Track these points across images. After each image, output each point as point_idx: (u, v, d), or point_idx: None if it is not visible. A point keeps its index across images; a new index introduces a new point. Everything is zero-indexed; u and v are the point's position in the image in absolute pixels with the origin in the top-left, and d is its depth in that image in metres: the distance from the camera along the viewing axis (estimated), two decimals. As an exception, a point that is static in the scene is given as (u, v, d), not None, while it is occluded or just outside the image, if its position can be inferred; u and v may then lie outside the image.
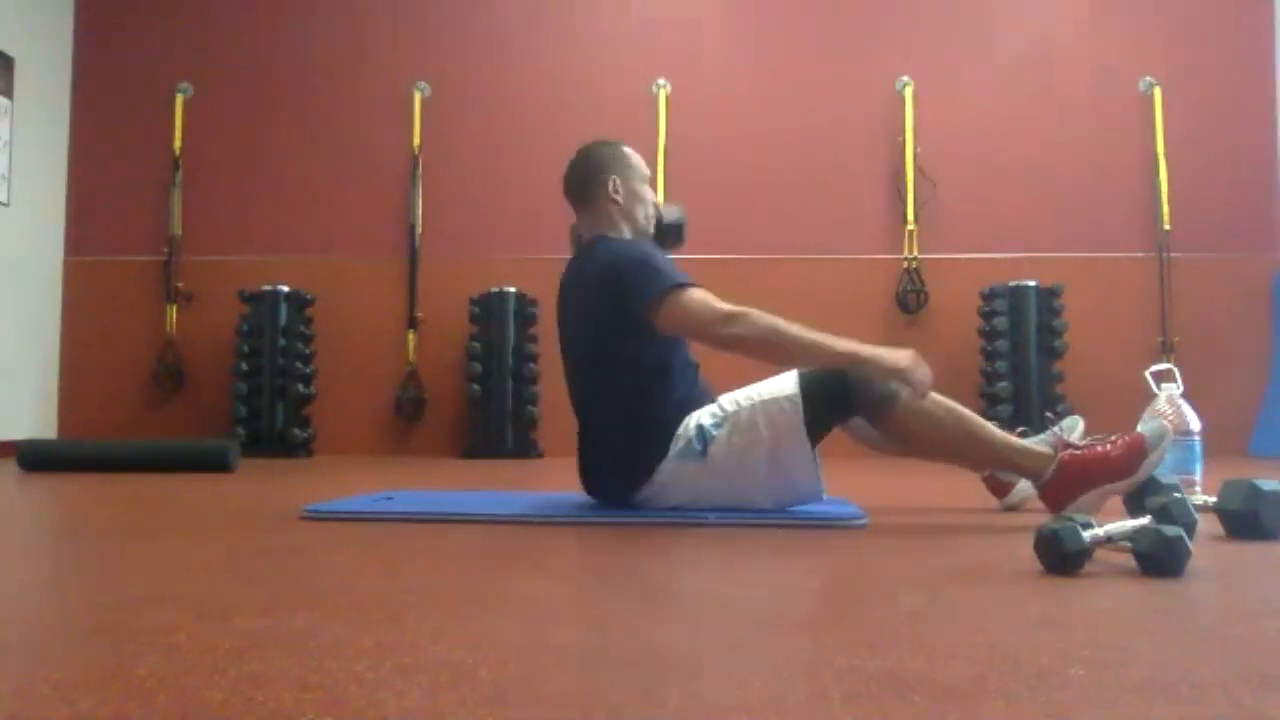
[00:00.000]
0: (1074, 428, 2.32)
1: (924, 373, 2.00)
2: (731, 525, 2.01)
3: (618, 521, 2.09)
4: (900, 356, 2.00)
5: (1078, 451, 2.11)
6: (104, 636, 1.04)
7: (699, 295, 2.09)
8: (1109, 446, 2.11)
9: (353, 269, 5.62)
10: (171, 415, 5.57)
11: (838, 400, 2.10)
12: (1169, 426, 2.17)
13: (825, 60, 5.64)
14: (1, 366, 5.20)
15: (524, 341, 5.27)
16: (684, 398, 2.19)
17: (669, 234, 2.42)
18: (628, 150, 2.37)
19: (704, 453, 2.11)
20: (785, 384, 2.13)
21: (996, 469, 2.30)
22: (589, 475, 2.28)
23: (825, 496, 2.21)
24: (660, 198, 2.61)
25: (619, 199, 2.29)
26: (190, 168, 5.69)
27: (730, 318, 2.04)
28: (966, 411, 2.14)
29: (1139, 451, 2.08)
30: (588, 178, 2.32)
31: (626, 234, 2.30)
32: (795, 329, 2.02)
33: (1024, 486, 2.34)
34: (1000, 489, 2.41)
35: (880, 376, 2.02)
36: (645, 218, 2.33)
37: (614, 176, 2.30)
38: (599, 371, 2.22)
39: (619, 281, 2.13)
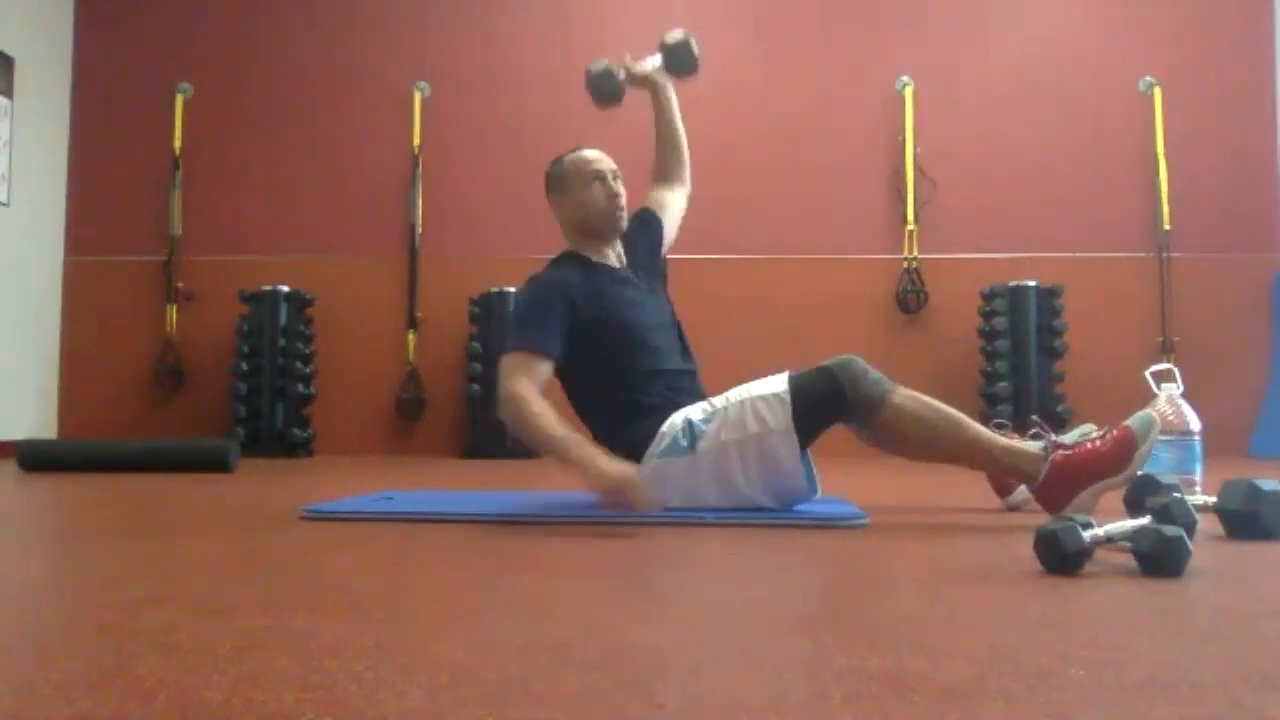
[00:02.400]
0: (1087, 435, 2.30)
1: (642, 495, 1.92)
2: (731, 525, 2.01)
3: (618, 521, 2.09)
4: (609, 477, 1.93)
5: (1068, 451, 2.10)
6: (104, 636, 1.04)
7: (507, 365, 2.18)
8: (1099, 443, 2.11)
9: (353, 269, 5.62)
10: (171, 415, 5.57)
11: (827, 400, 2.11)
12: (1156, 415, 2.17)
13: (825, 60, 5.64)
14: (1, 366, 5.20)
15: (524, 341, 5.26)
16: (664, 398, 2.24)
17: (676, 67, 2.52)
18: (569, 159, 2.40)
19: (692, 448, 2.14)
20: (776, 383, 2.15)
21: (989, 471, 2.30)
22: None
23: (818, 495, 2.22)
24: (672, 89, 2.65)
25: (565, 214, 2.41)
26: (190, 168, 5.69)
27: (504, 397, 2.13)
28: (957, 414, 2.14)
29: (1129, 445, 2.08)
30: (548, 198, 2.44)
31: (586, 243, 2.39)
32: (539, 425, 2.06)
33: (1025, 487, 2.34)
34: (1004, 488, 2.41)
35: (584, 484, 2.01)
36: (597, 216, 2.36)
37: (556, 194, 2.41)
38: (573, 372, 2.33)
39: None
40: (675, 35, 2.56)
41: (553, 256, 2.42)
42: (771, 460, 2.11)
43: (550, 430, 2.06)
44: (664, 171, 2.62)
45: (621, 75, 2.54)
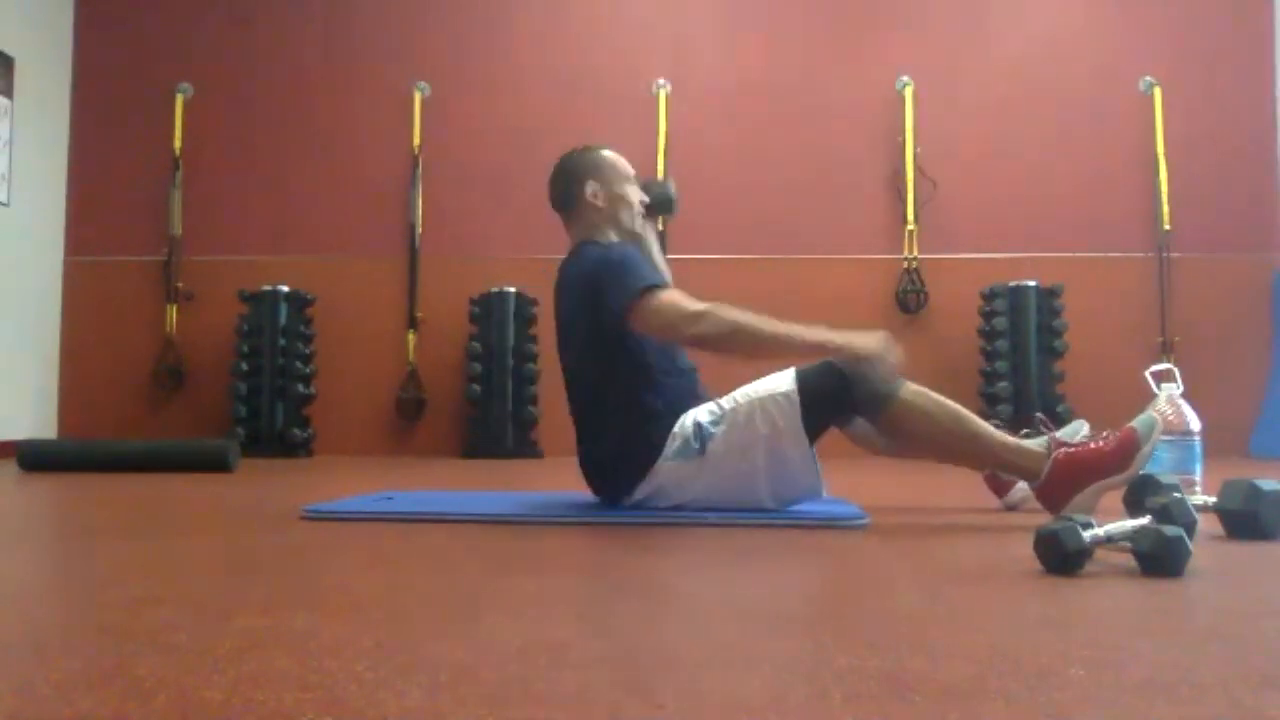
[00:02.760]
0: (1077, 432, 2.31)
1: (895, 356, 2.02)
2: (732, 525, 2.01)
3: (618, 521, 2.09)
4: (869, 340, 2.02)
5: (1071, 450, 2.11)
6: (104, 636, 1.04)
7: (668, 297, 2.11)
8: (1102, 443, 2.11)
9: (353, 269, 5.62)
10: (171, 415, 5.57)
11: (834, 397, 2.10)
12: (1158, 417, 2.17)
13: (825, 60, 5.64)
14: (1, 366, 5.20)
15: (524, 341, 5.27)
16: (676, 399, 2.20)
17: (659, 205, 2.46)
18: (606, 154, 2.38)
19: (702, 450, 2.12)
20: (782, 381, 2.13)
21: (993, 469, 2.30)
22: (589, 475, 2.29)
23: (825, 494, 2.21)
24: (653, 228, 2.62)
25: (600, 203, 2.32)
26: (190, 168, 5.69)
27: (695, 316, 2.06)
28: (964, 411, 2.14)
29: (1132, 445, 2.09)
30: (567, 186, 2.35)
31: (612, 237, 2.33)
32: (761, 322, 2.04)
33: (1023, 485, 2.34)
34: (1001, 487, 2.42)
35: (851, 361, 2.03)
36: (630, 219, 2.35)
37: (592, 181, 2.32)
38: (590, 374, 2.25)
39: (597, 286, 2.17)
40: (660, 187, 2.49)
41: (598, 242, 2.30)
42: (781, 461, 2.11)
43: (777, 324, 2.02)
44: None
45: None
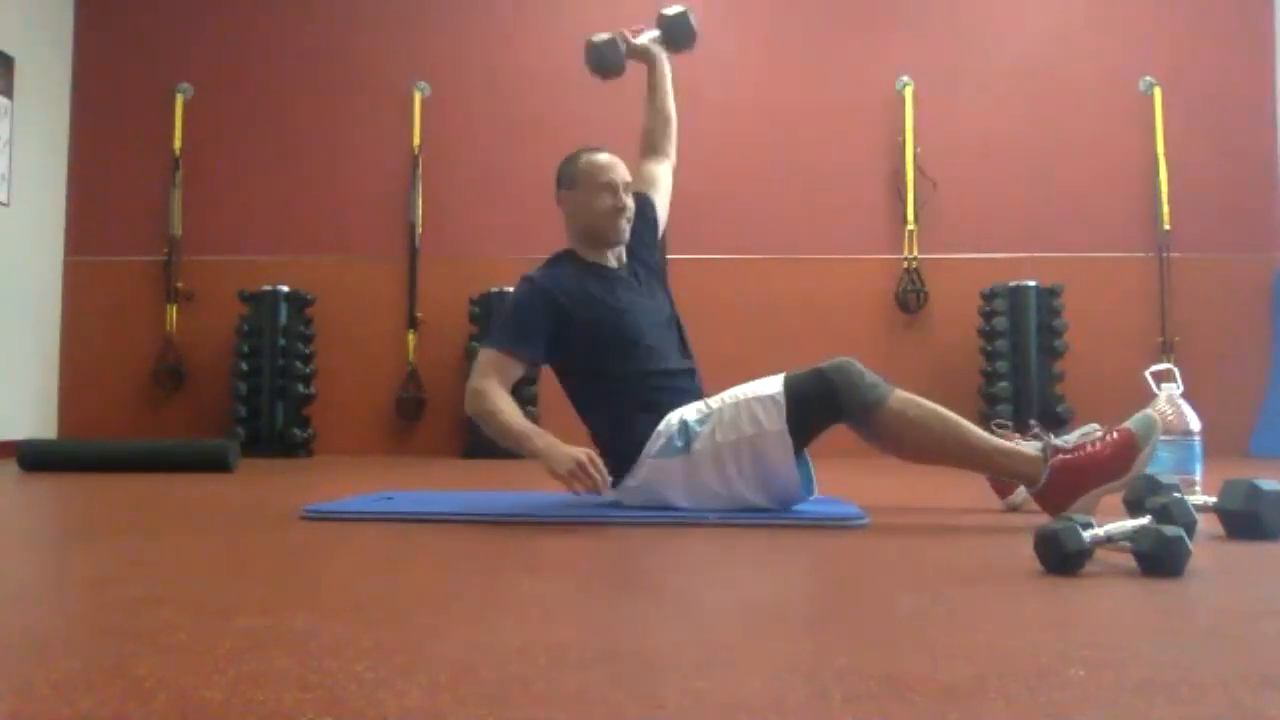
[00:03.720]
0: (1089, 435, 2.29)
1: (585, 481, 2.03)
2: (731, 525, 2.01)
3: (617, 521, 2.09)
4: (564, 459, 2.04)
5: (1068, 456, 2.09)
6: (104, 636, 1.04)
7: (481, 360, 2.26)
8: (1099, 446, 2.09)
9: (353, 269, 5.62)
10: (171, 415, 5.57)
11: (821, 403, 2.10)
12: (1157, 417, 2.15)
13: (825, 60, 5.64)
14: (1, 366, 5.20)
15: (524, 341, 5.26)
16: (663, 398, 2.24)
17: (673, 39, 2.55)
18: (584, 160, 2.38)
19: (686, 448, 2.14)
20: (771, 384, 2.14)
21: (987, 474, 2.30)
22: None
23: (814, 496, 2.22)
24: (667, 62, 2.67)
25: (568, 211, 2.39)
26: (190, 168, 5.69)
27: (471, 393, 2.22)
28: (955, 417, 2.13)
29: (1129, 448, 2.07)
30: (555, 192, 2.43)
31: (577, 243, 2.39)
32: (497, 421, 2.16)
33: (1025, 488, 2.34)
34: (1004, 488, 2.41)
35: (547, 470, 2.09)
36: (600, 227, 2.34)
37: (564, 190, 2.39)
38: (565, 375, 2.37)
39: None
40: (674, 8, 2.57)
41: (552, 254, 2.41)
42: (765, 462, 2.11)
43: (510, 423, 2.16)
44: (653, 146, 2.63)
45: (623, 46, 2.56)
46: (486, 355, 2.27)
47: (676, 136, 2.67)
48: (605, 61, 2.54)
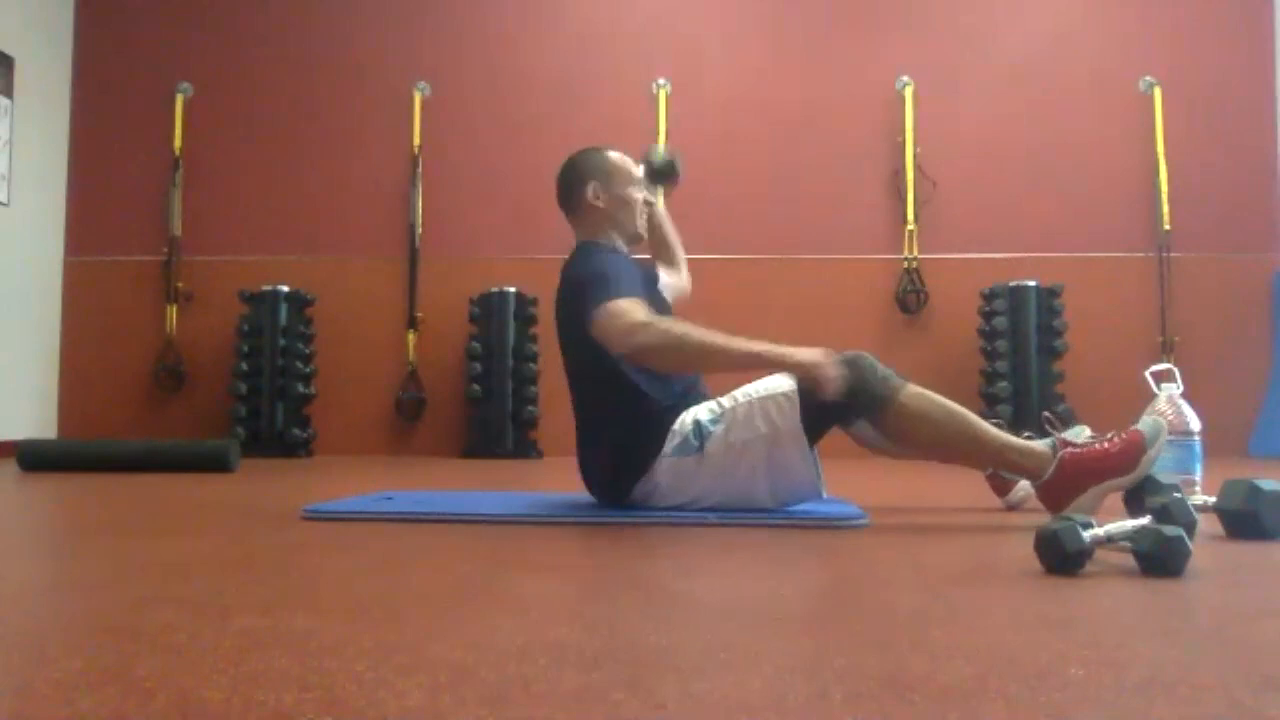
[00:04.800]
0: (1078, 436, 2.31)
1: (835, 370, 2.02)
2: (732, 525, 2.01)
3: (618, 521, 2.09)
4: (811, 353, 2.03)
5: (1077, 450, 2.11)
6: (104, 636, 1.04)
7: (618, 307, 2.06)
8: (1108, 444, 2.11)
9: (353, 269, 5.62)
10: (171, 415, 5.57)
11: (835, 399, 2.10)
12: (1164, 421, 2.17)
13: (825, 60, 5.64)
14: (1, 366, 5.20)
15: (524, 341, 5.27)
16: (677, 395, 2.21)
17: (661, 173, 2.50)
18: (613, 155, 2.37)
19: (701, 448, 2.12)
20: (783, 381, 2.13)
21: (996, 469, 2.30)
22: (587, 474, 2.30)
23: (825, 495, 2.21)
24: (659, 196, 2.65)
25: (601, 205, 2.33)
26: (190, 168, 5.69)
27: (637, 327, 2.03)
28: (965, 411, 2.14)
29: (1138, 448, 2.08)
30: (571, 187, 2.36)
31: (614, 239, 2.34)
32: (702, 334, 2.04)
33: (1025, 484, 2.34)
34: (1002, 487, 2.41)
35: (794, 373, 2.04)
36: (633, 220, 2.35)
37: (594, 182, 2.33)
38: (589, 372, 2.25)
39: (581, 291, 2.17)
40: (662, 155, 2.53)
41: (575, 248, 2.35)
42: (781, 460, 2.10)
43: (716, 336, 2.03)
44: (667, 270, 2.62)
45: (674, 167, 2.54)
46: (620, 303, 2.05)
47: (687, 275, 2.67)
48: (664, 177, 2.51)
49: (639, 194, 2.36)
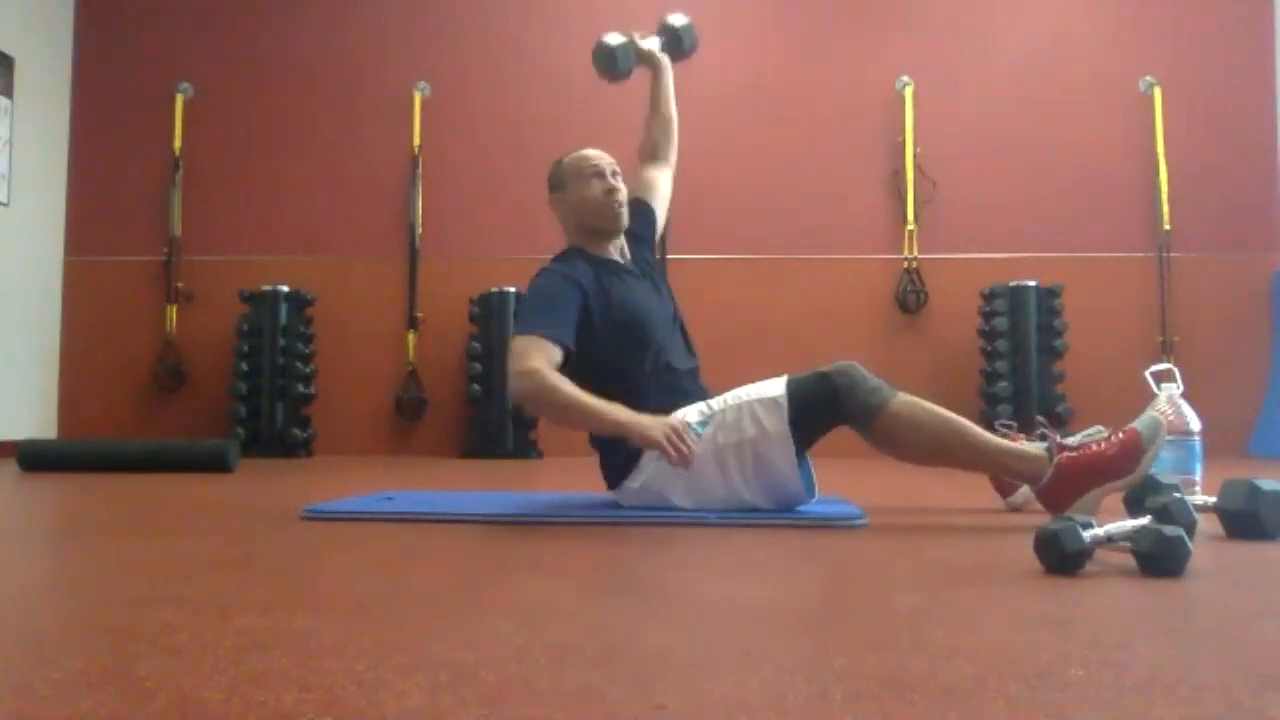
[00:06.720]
0: (1094, 436, 2.29)
1: (681, 447, 2.00)
2: (731, 525, 2.01)
3: (618, 521, 2.09)
4: (657, 429, 2.02)
5: (1073, 453, 2.10)
6: (104, 636, 1.04)
7: (520, 345, 2.13)
8: (1105, 445, 2.10)
9: (353, 269, 5.62)
10: (171, 415, 5.57)
11: (823, 406, 2.10)
12: (1162, 419, 2.15)
13: (825, 60, 5.64)
14: (1, 366, 5.20)
15: (524, 341, 5.26)
16: (665, 397, 2.22)
17: (671, 48, 2.59)
18: (568, 158, 2.40)
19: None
20: (773, 386, 2.14)
21: (991, 474, 2.30)
22: (600, 459, 2.32)
23: (816, 497, 2.21)
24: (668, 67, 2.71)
25: (562, 211, 2.40)
26: (190, 168, 5.69)
27: (523, 374, 2.08)
28: (957, 418, 2.13)
29: (1135, 448, 2.07)
30: (549, 198, 2.44)
31: (584, 241, 2.37)
32: (568, 396, 2.06)
33: (1027, 487, 2.34)
34: (1006, 488, 2.41)
35: (641, 439, 2.06)
36: (593, 216, 2.34)
37: (555, 193, 2.40)
38: (580, 370, 2.27)
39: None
40: (678, 18, 2.60)
41: (556, 253, 2.40)
42: (767, 463, 2.11)
43: (580, 396, 2.07)
44: (653, 151, 2.64)
45: (634, 51, 2.58)
46: (524, 341, 2.13)
47: (677, 142, 2.68)
48: (616, 65, 2.55)
49: (596, 187, 2.32)
